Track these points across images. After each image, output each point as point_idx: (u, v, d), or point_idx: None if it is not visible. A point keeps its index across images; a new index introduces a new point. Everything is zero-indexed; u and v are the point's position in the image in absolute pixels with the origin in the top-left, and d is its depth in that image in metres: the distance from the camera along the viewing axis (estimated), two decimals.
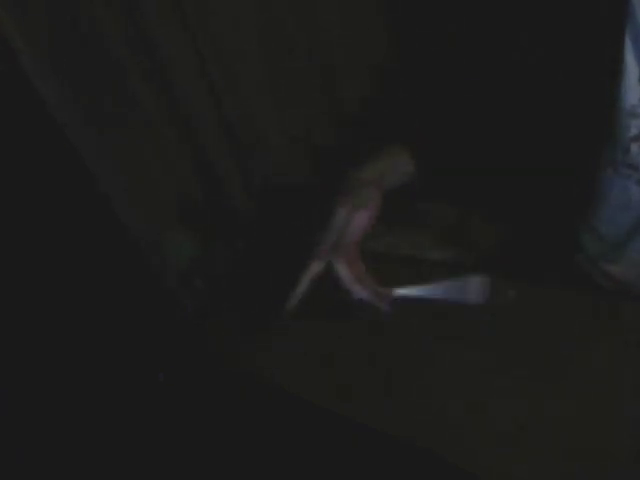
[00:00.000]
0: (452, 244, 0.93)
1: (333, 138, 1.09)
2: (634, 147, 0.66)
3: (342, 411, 0.71)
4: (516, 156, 0.75)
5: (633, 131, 0.66)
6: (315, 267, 0.68)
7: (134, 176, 0.84)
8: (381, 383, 0.72)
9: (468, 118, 0.77)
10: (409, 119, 0.87)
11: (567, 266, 0.83)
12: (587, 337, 0.68)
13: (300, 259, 0.68)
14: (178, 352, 0.87)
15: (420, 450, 0.64)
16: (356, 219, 0.68)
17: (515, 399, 0.65)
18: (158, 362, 0.86)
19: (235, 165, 0.97)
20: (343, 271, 0.66)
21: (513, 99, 0.73)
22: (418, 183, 0.76)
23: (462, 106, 0.78)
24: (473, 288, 0.66)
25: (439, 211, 0.98)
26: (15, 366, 0.79)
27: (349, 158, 0.75)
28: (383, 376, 0.73)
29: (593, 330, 0.69)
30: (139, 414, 0.84)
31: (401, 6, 1.03)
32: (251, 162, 0.99)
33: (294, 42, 1.00)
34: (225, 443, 0.78)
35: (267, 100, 0.98)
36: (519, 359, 0.69)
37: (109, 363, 0.86)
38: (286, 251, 0.81)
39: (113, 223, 0.79)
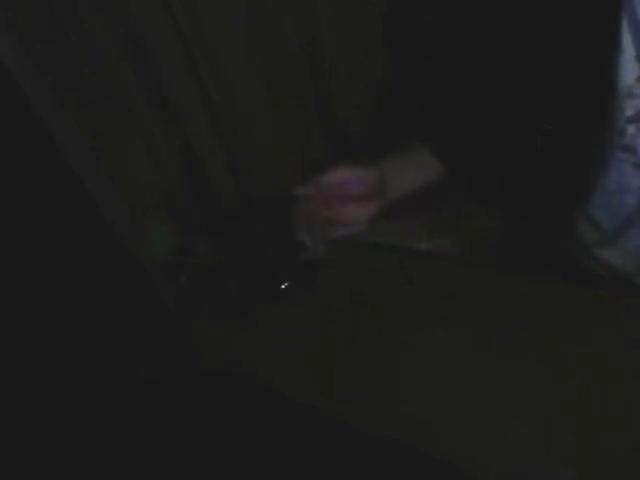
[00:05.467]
0: (444, 234, 0.92)
1: (324, 139, 1.08)
2: (630, 129, 0.65)
3: (328, 409, 0.69)
4: (510, 142, 0.73)
5: (629, 112, 0.64)
6: None
7: (117, 166, 0.83)
8: (371, 381, 0.70)
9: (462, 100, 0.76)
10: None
11: (561, 254, 0.81)
12: (583, 327, 0.67)
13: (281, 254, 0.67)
14: (161, 348, 0.86)
15: (416, 450, 0.62)
16: None
17: (511, 396, 0.63)
18: (140, 358, 0.85)
19: (222, 159, 0.97)
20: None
21: (508, 82, 0.71)
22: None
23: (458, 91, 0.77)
24: None
25: (432, 200, 0.97)
26: None
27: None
28: (373, 374, 0.71)
29: (588, 320, 0.67)
30: (120, 410, 0.83)
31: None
32: (239, 157, 0.98)
33: (288, 43, 1.00)
34: (208, 439, 0.77)
35: (259, 100, 0.98)
36: (514, 352, 0.67)
37: (90, 358, 0.84)
38: (267, 246, 0.81)
39: (95, 215, 0.78)
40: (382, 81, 1.05)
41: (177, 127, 0.91)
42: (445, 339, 0.72)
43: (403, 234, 0.93)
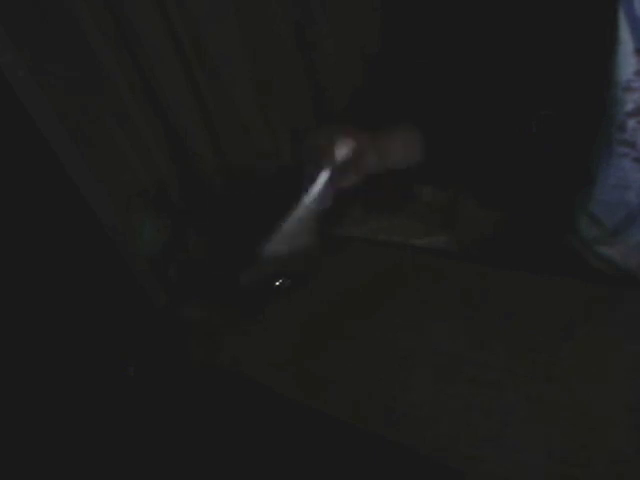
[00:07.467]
0: (441, 231, 0.91)
1: (314, 123, 1.08)
2: (631, 123, 0.64)
3: (324, 408, 0.69)
4: (510, 137, 0.73)
5: (629, 106, 0.63)
6: None
7: (108, 163, 0.83)
8: (369, 380, 0.70)
9: (459, 91, 0.75)
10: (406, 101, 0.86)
11: (562, 251, 0.80)
12: (582, 327, 0.66)
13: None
14: (152, 345, 0.85)
15: (416, 450, 0.62)
16: None
17: (511, 396, 0.63)
18: (131, 356, 0.84)
19: (211, 150, 0.96)
20: None
21: (508, 76, 0.71)
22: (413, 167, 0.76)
23: (454, 80, 0.76)
24: None
25: (429, 196, 0.96)
26: None
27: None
28: (371, 373, 0.71)
29: (588, 319, 0.67)
30: (113, 409, 0.82)
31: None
32: (228, 147, 0.97)
33: (284, 42, 0.99)
34: (203, 439, 0.77)
35: (248, 87, 0.97)
36: (514, 352, 0.66)
37: (83, 356, 0.84)
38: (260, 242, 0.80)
39: (85, 211, 0.77)
40: (380, 77, 1.05)
41: (170, 123, 0.91)
42: (444, 337, 0.71)
43: (401, 230, 0.92)
